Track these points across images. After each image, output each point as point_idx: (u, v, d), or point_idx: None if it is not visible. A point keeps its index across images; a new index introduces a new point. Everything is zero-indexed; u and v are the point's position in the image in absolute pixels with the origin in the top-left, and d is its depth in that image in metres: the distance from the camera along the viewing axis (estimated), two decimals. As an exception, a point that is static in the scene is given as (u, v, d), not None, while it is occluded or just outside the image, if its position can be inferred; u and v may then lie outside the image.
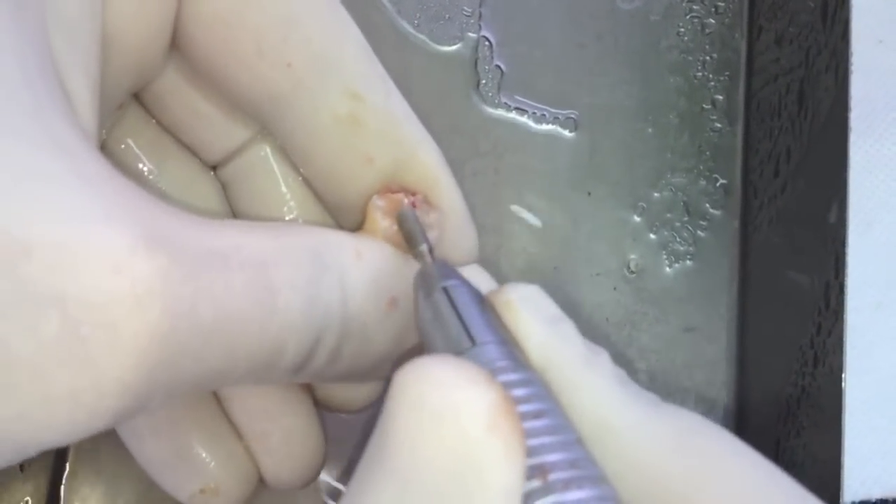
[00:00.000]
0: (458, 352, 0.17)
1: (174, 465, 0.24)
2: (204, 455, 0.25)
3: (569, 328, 0.18)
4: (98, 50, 0.18)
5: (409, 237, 0.21)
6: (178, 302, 0.15)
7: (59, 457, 0.32)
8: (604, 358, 0.18)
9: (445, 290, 0.18)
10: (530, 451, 0.14)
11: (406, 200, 0.22)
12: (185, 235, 0.16)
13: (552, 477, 0.14)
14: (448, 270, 0.19)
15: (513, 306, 0.18)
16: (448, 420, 0.13)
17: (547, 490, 0.14)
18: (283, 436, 0.25)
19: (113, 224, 0.14)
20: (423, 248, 0.20)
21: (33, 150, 0.14)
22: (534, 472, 0.14)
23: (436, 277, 0.19)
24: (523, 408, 0.15)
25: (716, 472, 0.16)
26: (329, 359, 0.20)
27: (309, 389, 0.26)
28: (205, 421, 0.25)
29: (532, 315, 0.18)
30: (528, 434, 0.15)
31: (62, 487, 0.32)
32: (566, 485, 0.14)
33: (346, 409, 0.26)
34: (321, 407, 0.26)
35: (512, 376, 0.16)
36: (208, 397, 0.25)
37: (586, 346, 0.18)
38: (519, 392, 0.16)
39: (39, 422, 0.14)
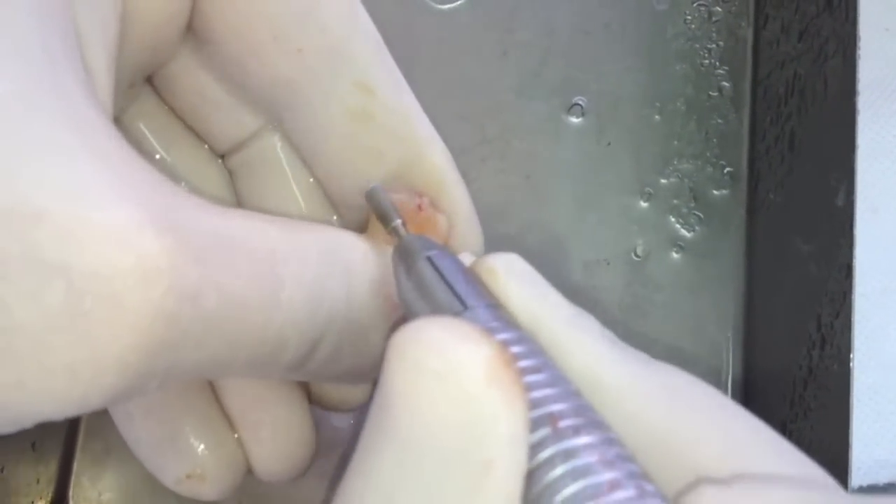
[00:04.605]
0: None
1: (162, 447, 0.24)
2: (193, 440, 0.24)
3: (553, 292, 0.18)
4: (117, 25, 0.18)
5: (381, 215, 0.21)
6: (183, 284, 0.14)
7: (69, 436, 0.32)
8: (591, 319, 0.18)
9: (429, 259, 0.18)
10: (535, 403, 0.14)
11: (379, 184, 0.22)
12: (196, 219, 0.15)
13: (562, 424, 0.14)
14: (427, 242, 0.19)
15: (497, 272, 0.18)
16: (446, 379, 0.14)
17: (558, 437, 0.14)
18: (274, 427, 0.25)
19: (123, 200, 0.14)
20: (397, 223, 0.20)
21: (51, 121, 0.14)
22: (542, 421, 0.14)
23: (416, 249, 0.19)
24: (522, 363, 0.15)
25: (705, 422, 0.16)
26: (329, 358, 0.19)
27: (304, 384, 0.26)
28: (197, 406, 0.24)
29: (516, 280, 0.18)
30: (531, 387, 0.15)
31: (73, 465, 0.32)
32: (576, 431, 0.14)
33: (340, 408, 0.26)
34: (315, 404, 0.26)
35: (506, 335, 0.16)
36: (202, 383, 0.25)
37: (571, 308, 0.18)
38: (515, 349, 0.16)
39: (37, 392, 0.14)
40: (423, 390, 0.14)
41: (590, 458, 0.14)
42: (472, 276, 0.18)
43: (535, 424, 0.14)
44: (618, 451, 0.14)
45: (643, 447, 0.16)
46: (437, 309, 0.17)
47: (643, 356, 0.18)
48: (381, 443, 0.14)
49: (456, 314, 0.17)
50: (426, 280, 0.18)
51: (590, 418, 0.15)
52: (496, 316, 0.17)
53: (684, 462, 0.15)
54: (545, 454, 0.14)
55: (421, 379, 0.14)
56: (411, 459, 0.14)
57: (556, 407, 0.15)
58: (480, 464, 0.13)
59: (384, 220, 0.21)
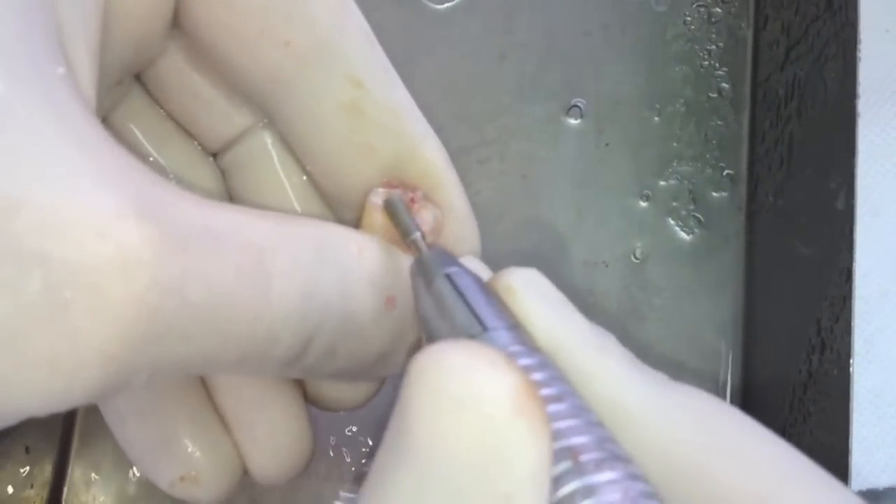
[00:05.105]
0: (468, 338, 0.16)
1: (155, 450, 0.24)
2: (186, 442, 0.24)
3: (573, 312, 0.18)
4: (100, 19, 0.18)
5: (400, 226, 0.21)
6: (167, 276, 0.14)
7: (63, 440, 0.32)
8: (612, 340, 0.18)
9: (448, 277, 0.18)
10: (557, 435, 0.14)
11: (398, 193, 0.22)
12: (181, 210, 0.15)
13: (583, 458, 0.14)
14: (446, 257, 0.19)
15: (515, 291, 0.18)
16: (470, 406, 0.13)
17: (579, 471, 0.14)
18: (269, 427, 0.24)
19: (102, 189, 0.14)
20: (417, 236, 0.20)
21: (31, 112, 0.13)
22: (563, 454, 0.14)
23: (435, 265, 0.18)
24: (543, 392, 0.15)
25: (736, 451, 0.15)
26: (323, 355, 0.19)
27: (300, 384, 0.25)
28: (190, 407, 0.24)
29: (536, 299, 0.18)
30: (553, 417, 0.14)
31: (67, 469, 0.32)
32: (598, 465, 0.14)
33: (337, 407, 0.26)
34: (312, 404, 0.26)
35: (527, 360, 0.16)
36: (195, 383, 0.24)
37: (592, 328, 0.18)
38: (537, 376, 0.15)
39: (16, 386, 0.13)
40: (445, 417, 0.13)
41: (612, 496, 0.13)
42: (491, 295, 0.18)
43: (555, 457, 0.14)
44: (641, 487, 0.14)
45: (668, 478, 0.15)
46: (455, 328, 0.17)
47: (663, 377, 0.17)
48: (398, 467, 0.14)
49: (475, 335, 0.16)
50: (444, 299, 0.18)
51: (612, 452, 0.14)
52: (517, 339, 0.16)
53: (714, 495, 0.15)
54: (566, 490, 0.14)
55: (443, 405, 0.13)
56: (429, 487, 0.13)
57: (578, 440, 0.14)
58: (501, 496, 0.13)
59: (403, 232, 0.20)
